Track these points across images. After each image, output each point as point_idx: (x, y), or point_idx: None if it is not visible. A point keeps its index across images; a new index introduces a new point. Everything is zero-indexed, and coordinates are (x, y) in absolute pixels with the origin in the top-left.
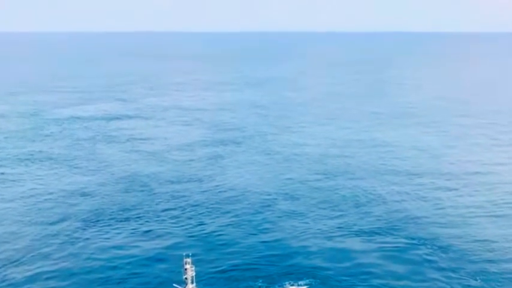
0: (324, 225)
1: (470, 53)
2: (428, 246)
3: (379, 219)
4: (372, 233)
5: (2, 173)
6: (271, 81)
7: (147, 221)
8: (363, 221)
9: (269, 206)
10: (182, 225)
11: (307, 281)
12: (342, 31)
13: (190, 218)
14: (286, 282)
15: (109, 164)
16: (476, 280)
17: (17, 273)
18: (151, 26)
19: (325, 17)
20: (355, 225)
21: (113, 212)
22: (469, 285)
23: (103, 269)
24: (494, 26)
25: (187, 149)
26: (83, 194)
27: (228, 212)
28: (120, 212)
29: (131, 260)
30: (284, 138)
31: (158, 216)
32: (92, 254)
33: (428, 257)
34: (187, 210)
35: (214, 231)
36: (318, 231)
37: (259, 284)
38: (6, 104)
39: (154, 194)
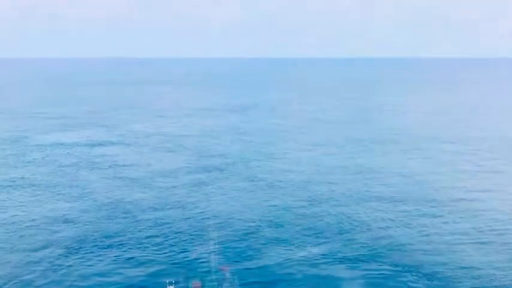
0: (309, 252)
1: (454, 79)
2: (413, 274)
3: (363, 246)
4: (356, 260)
5: None
6: (253, 107)
7: (130, 248)
8: (347, 248)
9: (253, 232)
10: (165, 252)
11: None
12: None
13: (174, 245)
14: None
15: (92, 191)
16: None
17: None
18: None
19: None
20: (339, 252)
21: (95, 238)
22: None
23: None
24: (480, 52)
25: (171, 176)
26: (66, 221)
27: (212, 239)
28: (103, 239)
29: (114, 287)
30: (268, 164)
31: (141, 243)
32: (75, 281)
33: (413, 285)
34: (171, 237)
35: (198, 258)
36: (303, 258)
37: None
38: None
39: (137, 220)
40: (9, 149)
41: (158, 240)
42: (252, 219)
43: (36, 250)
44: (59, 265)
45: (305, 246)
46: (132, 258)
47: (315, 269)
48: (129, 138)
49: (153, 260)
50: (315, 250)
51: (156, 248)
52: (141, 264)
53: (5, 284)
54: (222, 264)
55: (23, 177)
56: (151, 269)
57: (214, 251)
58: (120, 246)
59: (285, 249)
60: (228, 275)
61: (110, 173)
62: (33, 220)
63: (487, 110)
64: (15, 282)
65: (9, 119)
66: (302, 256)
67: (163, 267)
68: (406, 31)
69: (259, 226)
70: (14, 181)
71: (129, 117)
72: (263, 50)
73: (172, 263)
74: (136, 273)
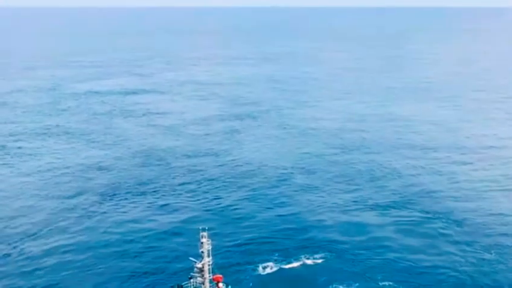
0: (340, 199)
1: (487, 28)
2: (443, 220)
3: (394, 193)
4: (387, 207)
5: (20, 147)
6: (287, 56)
7: (163, 195)
8: (378, 195)
9: (285, 180)
10: (198, 199)
11: (323, 254)
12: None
13: (207, 192)
14: (302, 256)
15: (126, 138)
16: (490, 254)
17: (34, 247)
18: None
19: None
20: (370, 199)
21: (129, 186)
22: (483, 259)
23: (119, 242)
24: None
25: (204, 124)
26: (100, 168)
27: (244, 186)
28: (137, 186)
29: (148, 233)
30: (300, 112)
31: (174, 190)
32: (109, 227)
33: (443, 231)
34: (204, 184)
35: (231, 205)
36: (334, 205)
37: (275, 258)
38: (24, 78)
39: (170, 168)
40: (44, 97)
41: (191, 187)
42: (284, 167)
43: (71, 197)
44: (94, 212)
45: (336, 193)
46: (166, 205)
47: (346, 215)
48: (163, 87)
49: (186, 207)
50: (347, 197)
51: (189, 195)
52: (174, 211)
53: (41, 230)
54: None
55: (57, 125)
56: (185, 216)
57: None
58: (154, 193)
59: (316, 196)
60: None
61: (143, 121)
62: (67, 167)
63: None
64: (51, 229)
65: (44, 67)
66: (333, 203)
67: (196, 213)
68: None
69: (292, 173)
70: (49, 129)
71: (162, 66)
72: None
73: (206, 210)
74: (169, 219)
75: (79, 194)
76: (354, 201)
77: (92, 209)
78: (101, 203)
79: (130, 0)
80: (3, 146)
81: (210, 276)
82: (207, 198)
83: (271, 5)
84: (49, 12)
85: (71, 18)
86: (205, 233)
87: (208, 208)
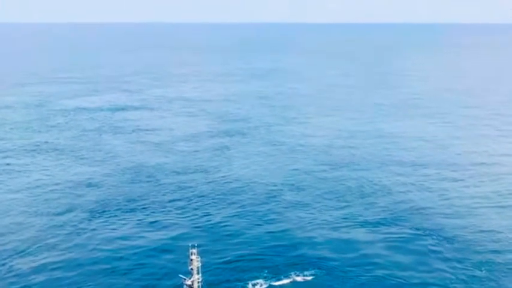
0: (330, 215)
1: (477, 44)
2: (434, 237)
3: (384, 210)
4: (377, 223)
5: (8, 164)
6: (275, 72)
7: (153, 212)
8: (368, 212)
9: (275, 196)
10: (188, 216)
11: (313, 271)
12: (345, 22)
13: (196, 209)
14: (292, 273)
15: (115, 155)
16: (481, 271)
17: (23, 264)
18: (153, 17)
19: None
20: (360, 215)
21: (119, 202)
22: (474, 276)
23: (109, 259)
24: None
25: (193, 140)
26: (89, 185)
27: (234, 203)
28: (126, 203)
29: (137, 250)
30: (289, 129)
31: (164, 207)
32: (98, 244)
33: (434, 248)
34: (193, 201)
35: (220, 222)
36: (324, 221)
37: (265, 275)
38: (12, 95)
39: (160, 184)
40: (33, 114)
41: (181, 204)
42: (273, 183)
43: (60, 214)
44: (83, 229)
45: (326, 210)
46: (156, 221)
47: (336, 232)
48: (152, 103)
49: (176, 224)
50: (336, 214)
51: (179, 211)
52: (164, 227)
53: (30, 247)
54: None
55: (46, 142)
56: (174, 233)
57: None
58: (143, 210)
59: (306, 213)
60: None
61: (132, 138)
62: (57, 184)
63: (507, 75)
64: (40, 246)
65: (32, 83)
66: (323, 220)
67: (186, 230)
68: None
69: (281, 190)
70: (37, 145)
71: (151, 82)
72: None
73: (195, 227)
74: (159, 236)
75: (68, 210)
76: (344, 218)
77: (81, 225)
78: (90, 220)
79: (119, 16)
80: None
81: None
82: (196, 215)
83: (257, 21)
84: (38, 28)
85: (59, 35)
86: (194, 250)
87: (197, 225)
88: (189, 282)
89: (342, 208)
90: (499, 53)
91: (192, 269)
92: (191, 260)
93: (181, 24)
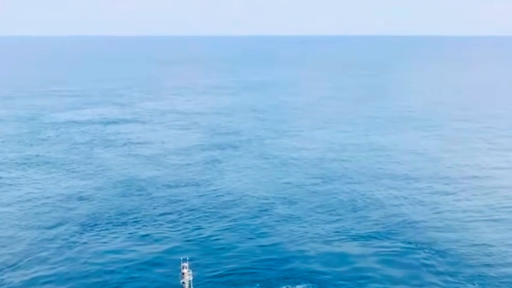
0: (322, 229)
1: (470, 57)
2: (426, 251)
3: (376, 224)
4: (369, 237)
5: None
6: (268, 85)
7: (144, 225)
8: (360, 225)
9: (267, 210)
10: (179, 230)
11: (305, 285)
12: (339, 35)
13: (188, 223)
14: (284, 287)
15: (106, 168)
16: (473, 284)
17: (14, 278)
18: (146, 30)
19: (321, 21)
20: (352, 229)
21: (110, 216)
22: None
23: (100, 273)
24: (496, 30)
25: (185, 153)
26: (80, 198)
27: (226, 216)
28: (118, 216)
29: (128, 264)
30: (281, 142)
31: (155, 221)
32: (89, 258)
33: (426, 261)
34: (185, 214)
35: (212, 236)
36: (316, 235)
37: None
38: (4, 108)
39: (151, 198)
40: (24, 127)
41: (172, 217)
42: (265, 197)
43: (51, 227)
44: (74, 242)
45: (318, 224)
46: (147, 235)
47: (328, 246)
48: (143, 116)
49: (167, 237)
50: (328, 227)
51: (170, 225)
52: (155, 241)
53: (21, 260)
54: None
55: (38, 155)
56: (166, 246)
57: (229, 228)
58: (135, 223)
59: (298, 226)
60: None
61: (124, 151)
62: (48, 197)
63: (499, 88)
64: (30, 260)
65: (23, 96)
66: (315, 233)
67: (177, 244)
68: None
69: (273, 203)
70: (28, 159)
71: (143, 95)
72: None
73: (187, 240)
74: (150, 250)
75: (59, 224)
76: (336, 232)
77: (72, 239)
78: (81, 233)
79: (111, 29)
80: None
81: None
82: (188, 228)
83: (252, 34)
84: (29, 41)
85: (51, 48)
86: (186, 264)
87: (189, 238)
88: None
89: (334, 221)
90: (486, 66)
91: (183, 282)
92: (183, 273)
93: (176, 38)
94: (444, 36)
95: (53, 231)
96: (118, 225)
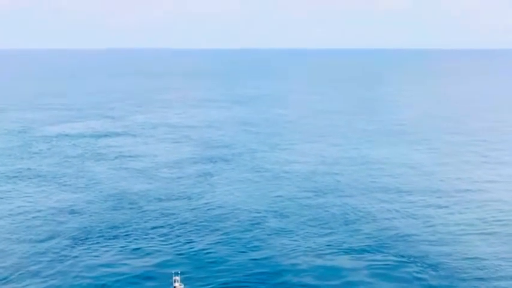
0: (314, 242)
1: (461, 70)
2: (418, 264)
3: (368, 237)
4: (362, 250)
5: None
6: (259, 98)
7: (135, 239)
8: (353, 239)
9: (258, 223)
10: (171, 243)
11: None
12: (331, 48)
13: (179, 236)
14: None
15: (98, 182)
16: None
17: None
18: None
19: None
20: (344, 242)
21: (101, 229)
22: None
23: (91, 287)
24: (485, 43)
25: (176, 167)
26: (72, 212)
27: (217, 230)
28: (109, 230)
29: (120, 278)
30: (273, 155)
31: (147, 234)
32: (81, 272)
33: (418, 275)
34: (176, 228)
35: (203, 249)
36: (308, 248)
37: None
38: None
39: (143, 211)
40: (15, 140)
41: (164, 231)
42: (257, 210)
43: (42, 241)
44: (65, 256)
45: (310, 237)
46: (138, 249)
47: (320, 259)
48: (135, 129)
49: (159, 251)
50: (320, 241)
51: (161, 238)
52: (147, 255)
53: (12, 274)
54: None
55: (29, 168)
56: (157, 260)
57: (221, 242)
58: (126, 236)
59: (290, 240)
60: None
61: (115, 164)
62: (39, 211)
63: (492, 101)
64: (22, 273)
65: (14, 109)
66: (307, 247)
67: (169, 258)
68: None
69: (265, 217)
70: (20, 172)
71: (134, 108)
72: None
73: (178, 254)
74: (142, 263)
75: (50, 237)
76: (328, 245)
77: (63, 252)
78: (72, 247)
79: (101, 42)
80: None
81: None
82: (179, 242)
83: (241, 47)
84: (19, 54)
85: (41, 61)
86: (178, 278)
87: (180, 252)
88: None
89: (326, 235)
90: (478, 79)
91: None
92: (174, 287)
93: (168, 51)
94: (430, 49)
95: (44, 245)
96: (109, 239)
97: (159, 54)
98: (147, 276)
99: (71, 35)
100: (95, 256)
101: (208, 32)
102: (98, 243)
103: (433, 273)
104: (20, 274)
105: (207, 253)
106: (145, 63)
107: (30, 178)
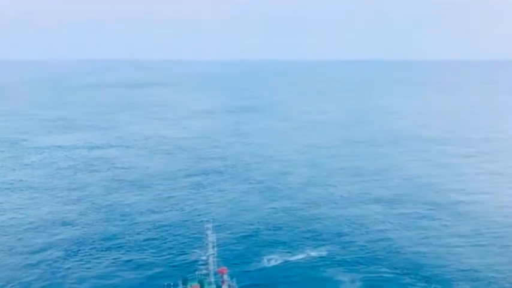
0: (307, 254)
1: (456, 81)
2: (412, 276)
3: (362, 249)
4: (355, 262)
5: None
6: (252, 109)
7: (128, 251)
8: (346, 251)
9: (251, 235)
10: (163, 255)
11: None
12: (325, 59)
13: (172, 248)
14: None
15: (90, 193)
16: None
17: None
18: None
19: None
20: (338, 254)
21: (94, 241)
22: None
23: None
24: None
25: (169, 178)
26: (64, 223)
27: (210, 242)
28: (101, 242)
29: None
30: (266, 166)
31: (139, 246)
32: (73, 283)
33: (412, 287)
34: (169, 239)
35: (196, 261)
36: (301, 260)
37: None
38: None
39: (135, 223)
40: (7, 152)
41: (156, 242)
42: (250, 222)
43: (34, 253)
44: (58, 268)
45: (304, 249)
46: (131, 260)
47: (313, 271)
48: (128, 141)
49: (151, 263)
50: (314, 253)
51: (154, 250)
52: (139, 266)
53: (4, 286)
54: (220, 267)
55: (21, 180)
56: (150, 272)
57: (213, 254)
58: (119, 248)
59: (283, 252)
60: (226, 277)
61: (108, 176)
62: (31, 223)
63: (486, 112)
64: (13, 285)
65: (7, 120)
66: (301, 259)
67: (161, 269)
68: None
69: (258, 228)
70: (12, 183)
71: (127, 119)
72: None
73: (171, 266)
74: (134, 275)
75: (43, 249)
76: (322, 257)
77: (56, 264)
78: (65, 259)
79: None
80: None
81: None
82: (172, 253)
83: (237, 58)
84: (11, 65)
85: (32, 71)
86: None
87: (173, 264)
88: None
89: (320, 247)
90: (473, 89)
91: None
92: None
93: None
94: (424, 60)
95: (37, 257)
96: (102, 251)
97: (147, 64)
98: None
99: (58, 46)
100: (88, 268)
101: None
102: (90, 255)
103: (427, 285)
104: (12, 286)
105: (200, 265)
106: (133, 74)
107: (22, 190)
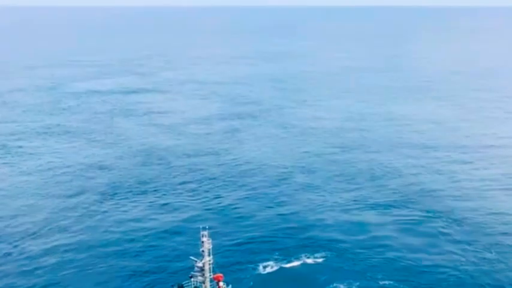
0: (340, 198)
1: (488, 28)
2: (444, 219)
3: (394, 192)
4: (388, 206)
5: (20, 147)
6: (286, 55)
7: (164, 194)
8: (379, 194)
9: (285, 179)
10: (199, 199)
11: (324, 253)
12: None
13: (207, 191)
14: (303, 255)
15: (127, 138)
16: (491, 253)
17: (35, 246)
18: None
19: None
20: (370, 198)
21: (130, 185)
22: (484, 258)
23: (120, 241)
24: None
25: (204, 123)
26: (101, 167)
27: (245, 185)
28: (138, 185)
29: (148, 232)
30: (300, 111)
31: (175, 190)
32: (110, 227)
33: (444, 230)
34: (204, 183)
35: (231, 204)
36: (334, 204)
37: (276, 257)
38: (24, 77)
39: (171, 167)
40: (45, 96)
41: (192, 186)
42: (284, 166)
43: (71, 196)
44: (94, 211)
45: (337, 192)
46: (167, 204)
47: (346, 214)
48: (163, 86)
49: (187, 206)
50: (347, 196)
51: (190, 194)
52: (175, 210)
53: (41, 229)
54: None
55: (58, 124)
56: (186, 215)
57: (248, 197)
58: (155, 192)
59: (316, 195)
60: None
61: (144, 120)
62: (68, 166)
63: None
64: (51, 228)
65: (43, 66)
66: (334, 202)
67: (197, 212)
68: None
69: (292, 172)
70: (49, 128)
71: (163, 65)
72: None
73: (206, 209)
74: (170, 218)
75: (80, 193)
76: (354, 201)
77: (92, 208)
78: (101, 202)
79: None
80: (4, 145)
81: (210, 275)
82: (207, 197)
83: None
84: (49, 11)
85: (71, 18)
86: (205, 232)
87: (208, 207)
88: (200, 264)
89: (353, 190)
90: (504, 36)
91: (203, 250)
92: (202, 242)
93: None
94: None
95: (74, 200)
96: (138, 194)
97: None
98: (175, 231)
99: None
100: (124, 211)
101: None
102: (126, 198)
103: (458, 228)
104: (49, 229)
105: (235, 208)
106: (168, 21)
107: (59, 134)
